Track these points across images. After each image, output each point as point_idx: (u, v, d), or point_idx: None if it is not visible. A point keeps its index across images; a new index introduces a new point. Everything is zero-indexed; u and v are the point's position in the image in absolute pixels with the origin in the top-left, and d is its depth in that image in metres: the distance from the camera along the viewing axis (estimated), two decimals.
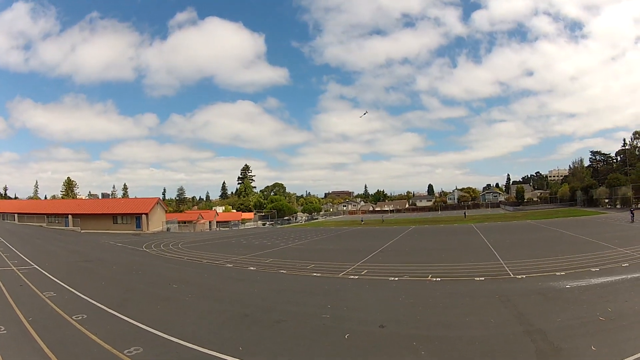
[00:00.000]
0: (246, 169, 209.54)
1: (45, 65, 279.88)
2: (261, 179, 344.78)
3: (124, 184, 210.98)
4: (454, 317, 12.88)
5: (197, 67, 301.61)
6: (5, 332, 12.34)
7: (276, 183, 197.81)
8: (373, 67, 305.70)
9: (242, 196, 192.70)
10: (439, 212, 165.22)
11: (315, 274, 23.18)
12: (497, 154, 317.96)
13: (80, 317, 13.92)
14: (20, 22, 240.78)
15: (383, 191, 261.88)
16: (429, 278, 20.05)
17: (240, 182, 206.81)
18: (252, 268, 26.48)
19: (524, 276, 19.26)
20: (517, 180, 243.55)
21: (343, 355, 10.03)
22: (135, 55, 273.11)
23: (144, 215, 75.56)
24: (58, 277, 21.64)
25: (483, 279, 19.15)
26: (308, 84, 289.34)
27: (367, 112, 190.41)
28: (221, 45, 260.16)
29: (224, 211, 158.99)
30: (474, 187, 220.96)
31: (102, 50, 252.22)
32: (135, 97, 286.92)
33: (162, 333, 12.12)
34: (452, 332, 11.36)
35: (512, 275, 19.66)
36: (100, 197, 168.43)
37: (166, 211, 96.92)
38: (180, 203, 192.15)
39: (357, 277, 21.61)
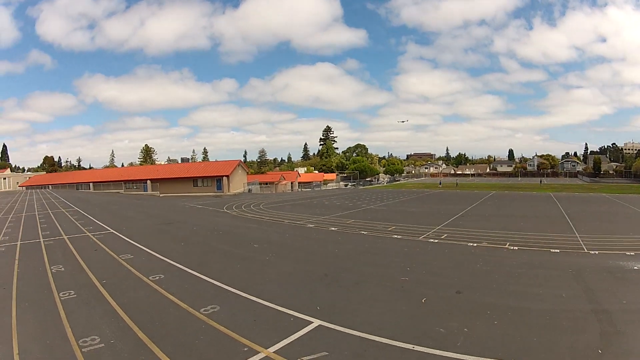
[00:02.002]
0: (328, 130, 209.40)
1: (113, 42, 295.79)
2: (343, 140, 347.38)
3: (204, 148, 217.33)
4: (527, 287, 13.00)
5: (272, 32, 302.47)
6: (75, 296, 12.60)
7: (358, 144, 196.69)
8: (450, 28, 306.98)
9: (324, 157, 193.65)
10: (519, 178, 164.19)
11: (395, 236, 23.19)
12: (574, 121, 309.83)
13: (157, 278, 14.25)
14: (80, 4, 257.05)
15: (464, 154, 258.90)
16: (506, 246, 20.26)
17: (322, 143, 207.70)
18: (333, 229, 26.50)
19: (597, 252, 18.82)
20: (595, 150, 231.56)
21: (419, 320, 10.18)
22: (209, 24, 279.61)
23: (224, 178, 77.02)
24: (135, 240, 22.10)
25: (558, 251, 19.01)
26: (386, 45, 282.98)
27: (407, 120, 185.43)
28: (295, 10, 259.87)
29: (305, 172, 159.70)
30: (553, 155, 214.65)
31: (174, 22, 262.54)
32: (212, 64, 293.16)
33: (240, 292, 12.37)
34: (524, 303, 11.45)
35: (585, 250, 19.28)
36: (179, 162, 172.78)
37: (247, 173, 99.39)
38: (261, 165, 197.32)
39: (437, 240, 21.86)
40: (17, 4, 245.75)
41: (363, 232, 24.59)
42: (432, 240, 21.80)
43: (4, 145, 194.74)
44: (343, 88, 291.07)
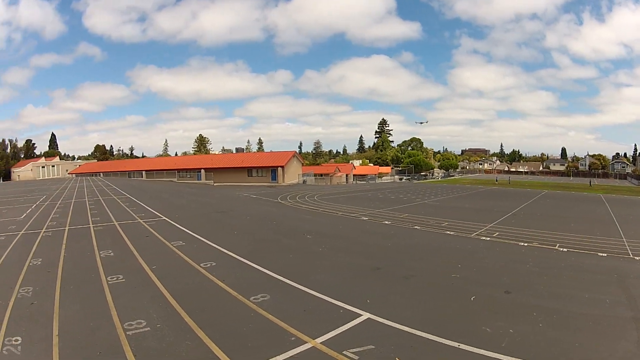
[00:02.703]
0: (383, 122, 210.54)
1: (165, 34, 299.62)
2: (398, 133, 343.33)
3: (259, 139, 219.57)
4: (573, 291, 12.82)
5: (326, 24, 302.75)
6: (123, 280, 12.86)
7: (413, 138, 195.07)
8: (503, 22, 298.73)
9: (379, 150, 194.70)
10: (571, 177, 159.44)
11: (448, 232, 23.06)
12: (625, 121, 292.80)
13: (208, 265, 14.37)
14: None
15: (518, 151, 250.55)
16: (556, 247, 19.92)
17: (377, 136, 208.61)
18: (386, 222, 26.33)
19: None
20: None
21: (466, 318, 10.15)
22: (262, 16, 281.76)
23: (279, 168, 77.45)
24: (188, 228, 22.33)
25: (605, 255, 18.65)
26: (441, 38, 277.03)
27: (426, 121, 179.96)
28: (349, 2, 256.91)
29: (361, 165, 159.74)
30: (604, 155, 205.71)
31: (226, 14, 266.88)
32: (266, 56, 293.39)
33: (291, 281, 12.42)
34: (570, 306, 11.31)
35: (631, 255, 18.78)
36: (234, 152, 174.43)
37: (302, 164, 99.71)
38: (316, 156, 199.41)
39: (488, 238, 21.73)
40: None
41: (416, 227, 24.39)
42: (483, 237, 21.57)
43: (53, 134, 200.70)
44: (398, 81, 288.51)
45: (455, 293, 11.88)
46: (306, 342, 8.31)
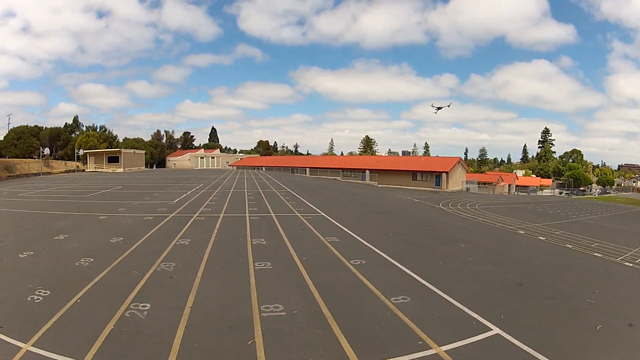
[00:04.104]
0: (546, 132, 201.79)
1: (327, 36, 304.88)
2: (561, 144, 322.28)
3: (425, 143, 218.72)
4: None
5: (484, 26, 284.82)
6: (270, 267, 13.45)
7: (574, 149, 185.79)
8: None
9: (541, 161, 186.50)
10: None
11: (596, 254, 21.10)
12: None
13: (358, 262, 14.49)
14: (284, 2, 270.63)
15: None
16: None
17: (540, 145, 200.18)
18: (541, 238, 24.64)
19: None
20: None
21: (587, 348, 9.21)
22: (423, 19, 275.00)
23: (443, 174, 76.74)
24: (344, 225, 22.47)
25: None
26: (595, 41, 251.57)
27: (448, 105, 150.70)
28: (503, 3, 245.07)
29: (523, 175, 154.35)
30: None
31: (387, 17, 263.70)
32: (430, 59, 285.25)
33: (434, 287, 12.17)
34: None
35: None
36: (400, 155, 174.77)
37: (467, 171, 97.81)
38: (481, 164, 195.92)
39: (631, 264, 19.53)
40: (210, 3, 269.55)
41: (568, 246, 22.69)
42: (627, 263, 19.49)
43: (213, 128, 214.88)
44: (559, 87, 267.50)
45: (583, 318, 10.99)
46: (431, 348, 8.21)
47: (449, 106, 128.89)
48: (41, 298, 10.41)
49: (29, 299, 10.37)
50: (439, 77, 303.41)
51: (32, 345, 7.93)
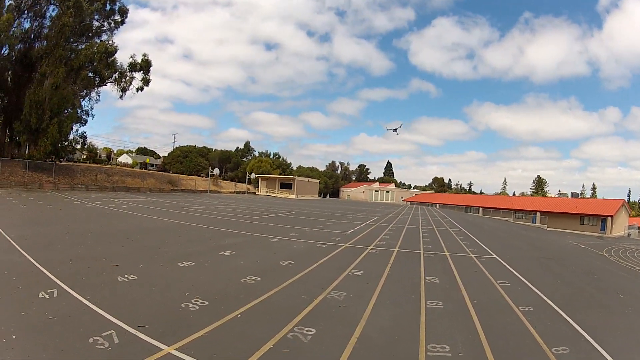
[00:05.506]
0: None
1: (497, 70, 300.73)
2: None
3: (593, 184, 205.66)
4: None
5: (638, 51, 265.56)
6: (442, 306, 13.40)
7: None
8: None
9: None
10: None
11: None
12: None
13: (526, 309, 14.04)
14: (450, 35, 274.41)
15: None
16: None
17: None
18: None
19: None
20: None
21: None
22: (583, 48, 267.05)
23: (609, 218, 73.33)
24: (516, 269, 21.81)
25: None
26: None
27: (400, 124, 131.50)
28: None
29: None
30: None
31: (550, 47, 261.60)
32: (595, 92, 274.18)
33: (594, 341, 11.34)
34: None
35: None
36: (569, 196, 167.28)
37: (629, 215, 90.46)
38: None
39: None
40: (380, 37, 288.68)
41: None
42: None
43: (388, 162, 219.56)
44: None
45: None
46: None
47: (400, 127, 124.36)
48: (197, 307, 10.91)
49: (182, 305, 10.95)
50: (603, 110, 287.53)
51: (175, 349, 8.13)
